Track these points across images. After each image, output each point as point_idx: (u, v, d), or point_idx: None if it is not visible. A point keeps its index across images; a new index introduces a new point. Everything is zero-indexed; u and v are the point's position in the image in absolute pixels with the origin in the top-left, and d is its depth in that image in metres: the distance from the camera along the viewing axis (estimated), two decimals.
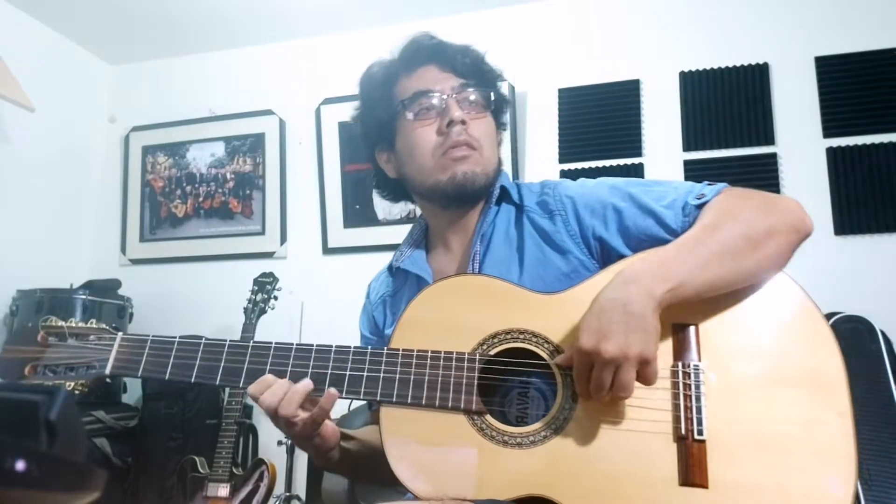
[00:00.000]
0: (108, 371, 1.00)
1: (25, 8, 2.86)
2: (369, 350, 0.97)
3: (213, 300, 2.96)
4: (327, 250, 2.95)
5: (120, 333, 1.02)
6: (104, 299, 2.71)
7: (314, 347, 0.98)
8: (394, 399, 0.94)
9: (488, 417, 0.92)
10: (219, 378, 0.98)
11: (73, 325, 1.03)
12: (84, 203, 3.20)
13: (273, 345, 0.98)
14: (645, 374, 0.87)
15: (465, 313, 0.97)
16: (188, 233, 3.13)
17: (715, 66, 2.60)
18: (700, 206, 1.00)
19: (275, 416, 0.94)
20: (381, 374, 0.95)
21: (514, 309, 0.96)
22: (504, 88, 1.18)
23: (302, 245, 2.99)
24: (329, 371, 0.96)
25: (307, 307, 2.60)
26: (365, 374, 0.95)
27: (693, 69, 2.62)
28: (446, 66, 1.11)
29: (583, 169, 2.66)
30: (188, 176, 3.19)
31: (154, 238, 3.17)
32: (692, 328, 0.92)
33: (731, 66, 2.58)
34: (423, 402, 0.93)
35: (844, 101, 2.44)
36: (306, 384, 0.94)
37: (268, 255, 2.99)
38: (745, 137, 2.52)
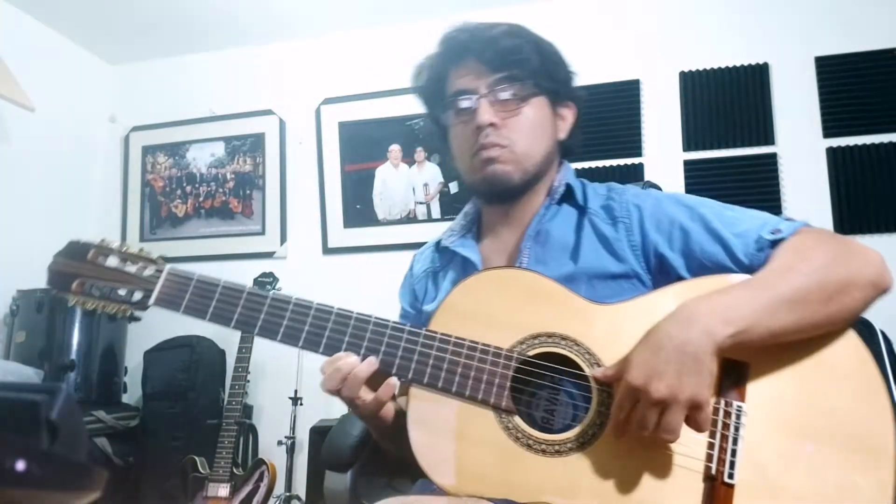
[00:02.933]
0: (152, 302, 0.99)
1: (25, 8, 2.86)
2: (407, 327, 0.95)
3: None
4: (327, 250, 2.95)
5: (168, 266, 1.01)
6: None
7: (354, 315, 0.96)
8: (425, 381, 0.92)
9: (516, 418, 0.90)
10: (257, 329, 0.96)
11: (124, 249, 1.03)
12: (84, 203, 3.20)
13: (314, 305, 0.96)
14: (696, 419, 0.83)
15: (509, 308, 0.95)
16: (188, 233, 3.13)
17: (715, 66, 2.60)
18: (774, 243, 0.94)
19: (337, 395, 0.94)
20: (416, 355, 0.93)
21: (561, 313, 0.94)
22: (561, 67, 1.14)
23: (302, 245, 2.99)
24: (364, 343, 0.94)
25: None
26: (400, 352, 0.93)
27: (693, 69, 2.62)
28: (482, 59, 1.07)
29: (582, 169, 2.66)
30: (188, 176, 3.19)
31: (154, 238, 3.17)
32: (743, 367, 0.88)
33: (731, 66, 2.58)
34: (454, 390, 0.91)
35: (844, 101, 2.44)
36: (370, 364, 0.93)
37: (268, 255, 2.99)
38: (745, 137, 2.52)
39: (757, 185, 2.47)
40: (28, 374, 2.35)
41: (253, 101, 3.13)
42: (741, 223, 0.99)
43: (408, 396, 0.94)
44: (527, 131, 1.08)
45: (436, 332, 0.94)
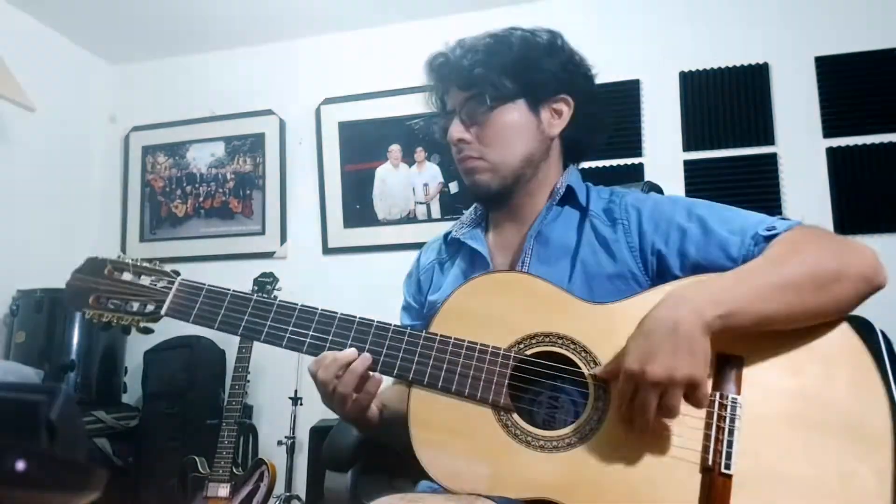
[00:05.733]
0: (163, 312, 1.04)
1: (25, 8, 2.86)
2: (408, 330, 0.99)
3: None
4: (327, 250, 2.95)
5: (179, 278, 1.07)
6: None
7: (357, 320, 1.00)
8: (424, 381, 0.95)
9: (515, 416, 0.92)
10: (263, 336, 1.01)
11: (139, 263, 1.09)
12: (84, 203, 3.20)
13: (318, 311, 1.01)
14: (694, 397, 0.84)
15: (508, 310, 0.98)
16: (188, 233, 3.13)
17: (715, 66, 2.59)
18: (769, 238, 0.96)
19: (331, 393, 0.97)
20: (416, 357, 0.96)
21: (558, 313, 0.96)
22: (543, 65, 1.18)
23: (302, 245, 2.99)
24: (367, 346, 0.98)
25: None
26: (401, 353, 0.97)
27: (693, 69, 2.62)
28: (457, 84, 1.14)
29: (582, 169, 2.64)
30: (188, 176, 3.19)
31: (154, 238, 3.17)
32: (737, 360, 0.89)
33: (731, 66, 2.58)
34: (453, 389, 0.94)
35: (844, 101, 2.44)
36: (365, 360, 0.97)
37: (268, 255, 2.99)
38: (745, 137, 2.52)
39: (757, 185, 2.47)
40: (28, 374, 2.35)
41: (253, 101, 3.13)
42: (737, 222, 1.01)
43: (409, 397, 0.97)
44: (498, 140, 1.11)
45: (435, 334, 0.97)
